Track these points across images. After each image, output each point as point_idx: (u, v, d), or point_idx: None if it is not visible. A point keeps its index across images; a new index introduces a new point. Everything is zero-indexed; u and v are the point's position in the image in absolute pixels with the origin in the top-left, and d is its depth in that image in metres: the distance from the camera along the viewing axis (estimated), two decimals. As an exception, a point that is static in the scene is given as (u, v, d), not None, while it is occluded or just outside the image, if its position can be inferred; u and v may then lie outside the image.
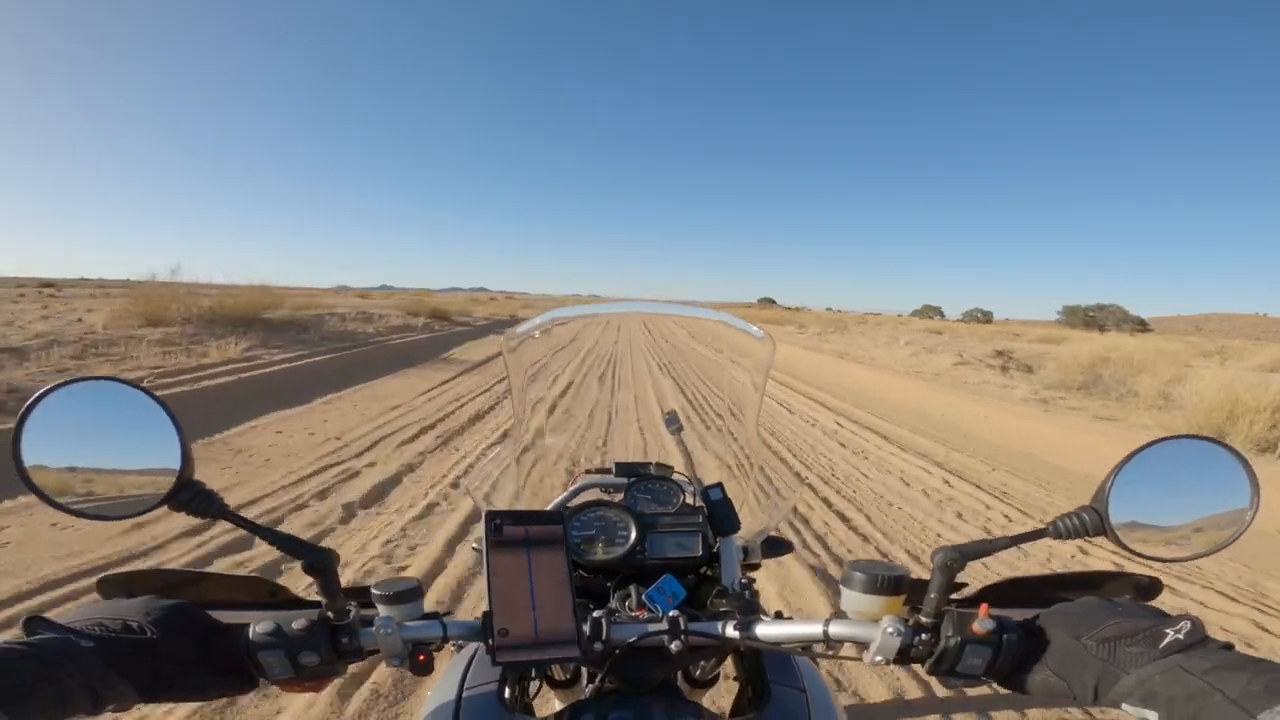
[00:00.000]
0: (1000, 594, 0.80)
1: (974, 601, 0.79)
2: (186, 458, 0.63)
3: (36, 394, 0.59)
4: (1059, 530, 0.68)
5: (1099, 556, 3.75)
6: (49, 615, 0.55)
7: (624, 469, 1.13)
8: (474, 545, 0.80)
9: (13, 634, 0.52)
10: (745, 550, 1.04)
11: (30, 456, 0.60)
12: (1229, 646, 0.55)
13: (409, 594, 0.73)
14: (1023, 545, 0.68)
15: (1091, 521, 0.67)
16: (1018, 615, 0.69)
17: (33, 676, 0.47)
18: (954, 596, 0.79)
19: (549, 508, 1.07)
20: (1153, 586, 0.80)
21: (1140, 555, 0.67)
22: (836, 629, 0.70)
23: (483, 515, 0.74)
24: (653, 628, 0.74)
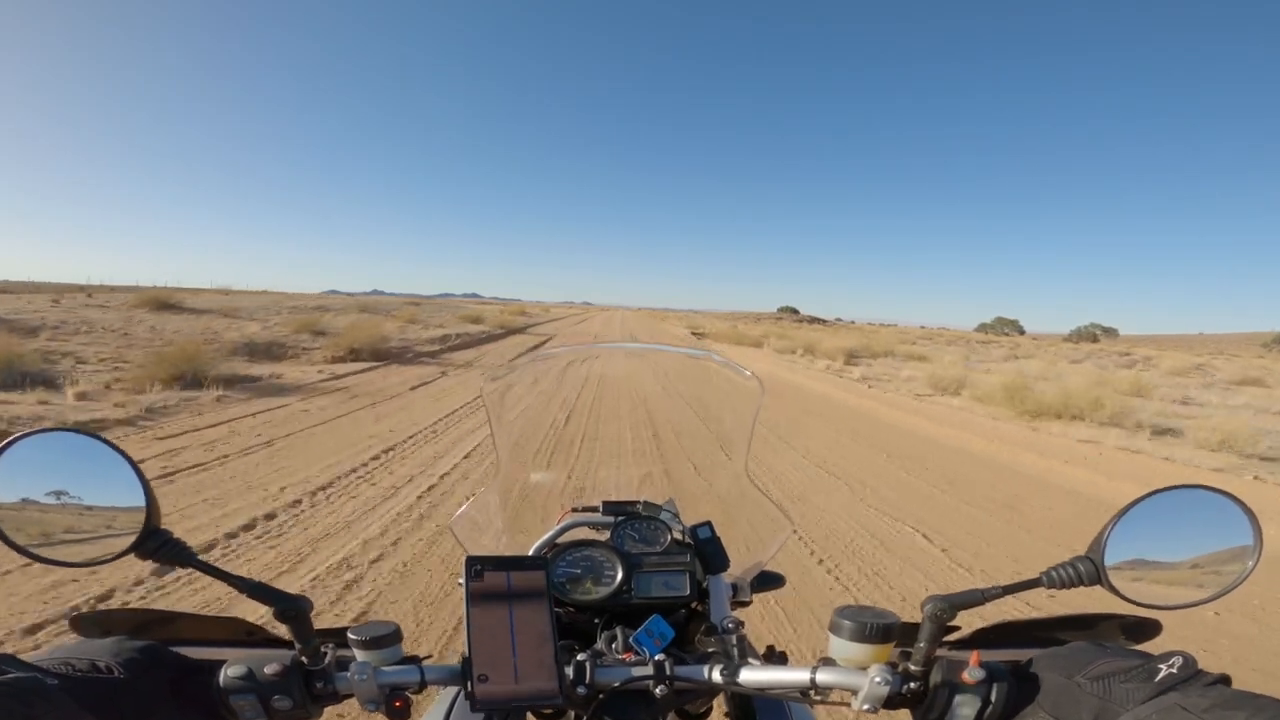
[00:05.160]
0: (993, 637, 0.80)
1: (966, 645, 0.79)
2: (152, 507, 0.64)
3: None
4: (1052, 580, 0.68)
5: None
6: (17, 654, 0.54)
7: (611, 508, 1.12)
8: (459, 582, 0.79)
9: None
10: (735, 587, 1.04)
11: None
12: (1225, 680, 0.55)
13: (386, 638, 0.72)
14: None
15: (1086, 571, 0.67)
16: (1009, 657, 0.69)
17: (9, 714, 0.48)
18: (947, 639, 0.79)
19: (535, 545, 1.06)
20: (1150, 627, 0.80)
21: (1136, 603, 0.68)
22: (824, 676, 0.69)
23: (464, 560, 0.74)
24: (638, 672, 0.74)
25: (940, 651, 0.69)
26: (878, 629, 0.70)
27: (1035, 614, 3.02)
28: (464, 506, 1.11)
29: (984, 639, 0.80)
